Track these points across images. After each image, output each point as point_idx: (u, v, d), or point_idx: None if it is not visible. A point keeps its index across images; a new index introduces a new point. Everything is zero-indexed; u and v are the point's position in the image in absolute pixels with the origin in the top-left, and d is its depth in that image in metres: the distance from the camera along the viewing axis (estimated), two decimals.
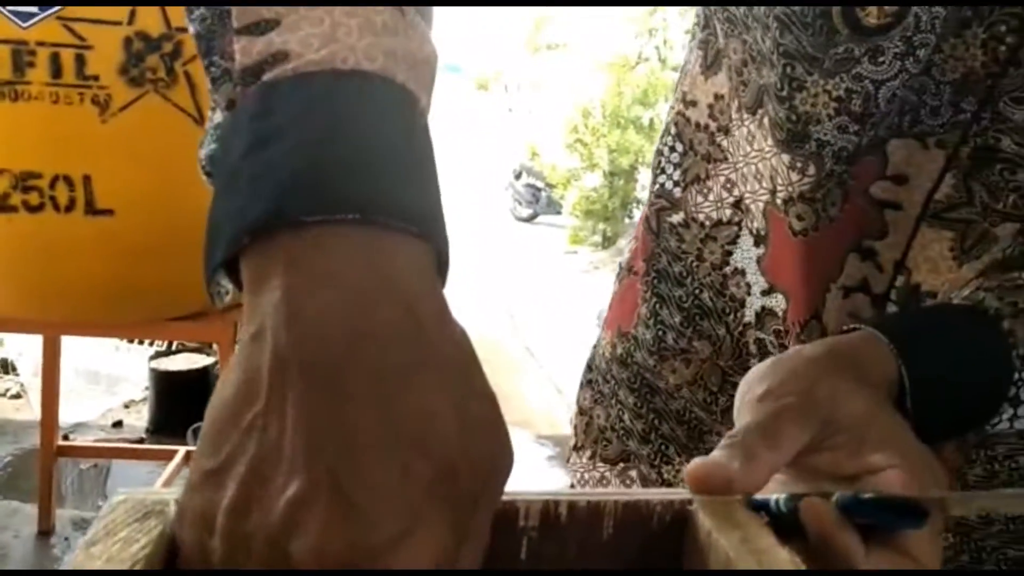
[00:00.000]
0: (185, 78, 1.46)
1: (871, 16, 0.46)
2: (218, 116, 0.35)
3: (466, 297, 5.96)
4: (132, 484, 2.48)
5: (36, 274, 1.47)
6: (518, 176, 9.58)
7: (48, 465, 2.32)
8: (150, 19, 1.40)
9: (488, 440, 0.28)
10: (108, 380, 3.41)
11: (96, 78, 1.39)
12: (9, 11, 1.33)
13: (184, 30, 1.45)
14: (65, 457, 2.42)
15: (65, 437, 3.00)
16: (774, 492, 0.36)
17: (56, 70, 1.37)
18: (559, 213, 8.82)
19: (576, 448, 0.72)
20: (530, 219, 9.60)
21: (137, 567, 0.27)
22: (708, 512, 0.32)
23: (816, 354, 0.42)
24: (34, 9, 1.34)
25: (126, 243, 1.47)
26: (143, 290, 1.53)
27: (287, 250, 0.28)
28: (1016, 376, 0.44)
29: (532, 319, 5.37)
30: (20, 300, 1.51)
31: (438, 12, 0.40)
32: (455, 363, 0.28)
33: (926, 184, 0.49)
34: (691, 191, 0.61)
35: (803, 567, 0.28)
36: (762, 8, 0.51)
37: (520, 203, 9.57)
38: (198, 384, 3.07)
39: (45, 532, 2.37)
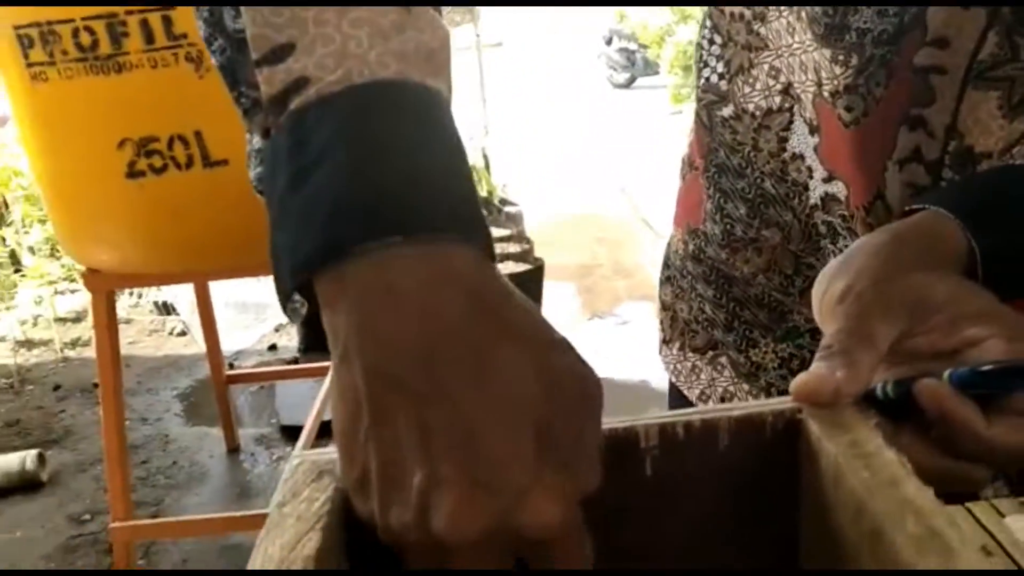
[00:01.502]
0: None
1: None
2: (257, 141, 0.37)
3: (576, 177, 5.91)
4: (296, 399, 2.71)
5: (172, 230, 1.58)
6: (609, 42, 9.19)
7: (222, 393, 2.57)
8: None
9: (573, 385, 0.30)
10: (256, 308, 3.68)
11: (184, 36, 1.44)
12: None
13: None
14: (235, 384, 2.67)
15: (230, 365, 3.29)
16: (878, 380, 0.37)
17: (148, 35, 1.43)
18: (657, 73, 8.45)
19: (665, 342, 0.74)
20: (628, 84, 9.26)
21: (321, 523, 0.31)
22: (817, 418, 0.33)
23: (883, 244, 0.42)
24: None
25: (245, 187, 1.55)
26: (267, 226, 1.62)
27: (348, 275, 0.30)
28: None
29: (644, 188, 5.28)
30: (165, 256, 1.64)
31: None
32: (527, 328, 0.30)
33: (968, 45, 0.47)
34: (737, 82, 0.60)
35: (909, 467, 0.29)
36: None
37: (615, 69, 9.23)
38: None
39: (233, 449, 2.66)
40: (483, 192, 4.12)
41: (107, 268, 1.68)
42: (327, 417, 2.48)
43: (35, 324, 3.72)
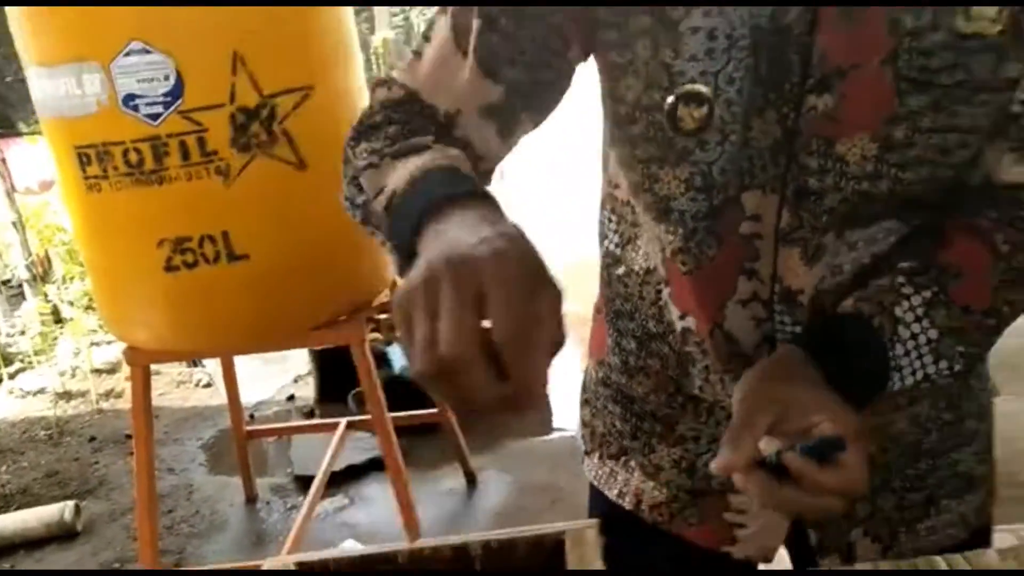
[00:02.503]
0: (284, 135, 1.74)
1: (686, 122, 0.66)
2: (380, 236, 0.63)
3: (584, 222, 6.10)
4: (311, 451, 2.92)
5: (202, 315, 1.82)
6: None
7: (242, 445, 2.80)
8: (246, 95, 1.68)
9: (503, 245, 0.46)
10: (278, 360, 3.92)
11: (215, 152, 1.69)
12: (143, 115, 1.65)
13: (275, 95, 1.72)
14: (255, 438, 2.90)
15: (251, 415, 3.53)
16: (768, 450, 0.60)
17: (185, 153, 1.68)
18: None
19: (587, 453, 0.95)
20: None
21: None
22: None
23: (762, 367, 0.66)
24: (159, 109, 1.65)
25: (264, 278, 1.79)
26: (284, 311, 1.86)
27: (428, 228, 0.52)
28: (891, 354, 0.65)
29: None
30: (195, 336, 1.88)
31: None
32: (495, 232, 0.47)
33: (772, 218, 0.69)
34: (627, 250, 0.82)
35: None
36: (623, 129, 0.71)
37: None
38: (350, 357, 3.50)
39: (251, 499, 2.88)
40: None
41: (144, 345, 1.93)
42: (337, 468, 2.70)
43: (73, 375, 3.99)
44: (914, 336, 0.65)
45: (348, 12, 1.93)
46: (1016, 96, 0.63)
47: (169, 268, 1.76)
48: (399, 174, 0.59)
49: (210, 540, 2.68)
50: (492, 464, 2.94)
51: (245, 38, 1.65)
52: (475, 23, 0.67)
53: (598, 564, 0.59)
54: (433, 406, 2.68)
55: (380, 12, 5.04)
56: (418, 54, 0.72)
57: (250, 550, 2.61)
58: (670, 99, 0.65)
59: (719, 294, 0.74)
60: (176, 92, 1.64)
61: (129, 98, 1.64)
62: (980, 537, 0.85)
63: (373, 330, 2.57)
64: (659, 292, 0.80)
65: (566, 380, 3.73)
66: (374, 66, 5.13)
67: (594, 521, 0.63)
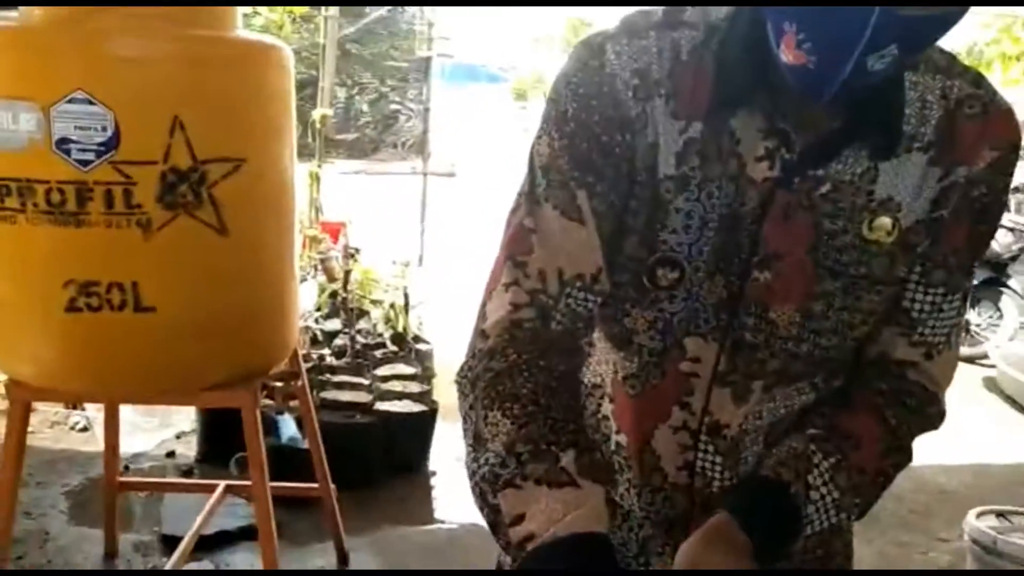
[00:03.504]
0: (209, 199, 1.81)
1: (660, 280, 0.81)
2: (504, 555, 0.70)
3: None
4: (183, 511, 2.85)
5: (97, 358, 1.83)
6: None
7: (112, 498, 2.71)
8: (180, 157, 1.75)
9: None
10: (163, 414, 3.82)
11: (140, 206, 1.74)
12: (74, 159, 1.69)
13: (208, 161, 1.80)
14: (126, 491, 2.81)
15: (126, 467, 3.40)
16: None
17: (109, 202, 1.73)
18: None
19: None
20: None
21: None
22: None
23: (700, 539, 0.77)
24: (91, 156, 1.70)
25: (166, 332, 1.82)
26: (180, 367, 1.88)
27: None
28: (803, 512, 0.79)
29: None
30: (86, 379, 1.88)
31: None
32: None
33: (711, 362, 0.84)
34: (586, 367, 0.94)
35: None
36: (614, 274, 0.83)
37: None
38: (238, 420, 3.45)
39: (111, 554, 2.76)
40: (398, 329, 4.42)
41: (29, 381, 1.90)
42: (207, 532, 2.64)
43: None
44: (822, 497, 0.80)
45: (290, 86, 2.04)
46: (905, 294, 0.82)
47: (71, 308, 1.77)
48: (541, 517, 0.66)
49: None
50: (366, 546, 2.93)
51: (188, 104, 1.74)
52: (579, 194, 0.78)
53: None
54: (314, 480, 2.67)
55: (324, 89, 5.21)
56: (521, 265, 0.79)
57: None
58: (651, 260, 0.80)
59: (653, 417, 0.88)
60: (111, 143, 1.70)
61: (63, 141, 1.69)
62: None
63: (267, 396, 2.57)
64: (600, 406, 0.93)
65: (450, 472, 3.74)
66: (309, 137, 5.24)
67: None
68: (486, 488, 0.70)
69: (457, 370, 0.81)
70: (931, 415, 0.86)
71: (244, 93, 1.86)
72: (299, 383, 2.33)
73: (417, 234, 7.20)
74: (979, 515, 2.51)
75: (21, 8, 1.79)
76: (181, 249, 1.80)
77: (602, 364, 0.91)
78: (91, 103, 1.67)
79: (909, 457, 0.86)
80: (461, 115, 10.81)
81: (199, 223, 1.81)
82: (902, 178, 0.77)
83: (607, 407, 0.92)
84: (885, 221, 0.78)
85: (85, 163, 1.70)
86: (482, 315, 0.81)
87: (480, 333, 0.80)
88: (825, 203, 0.77)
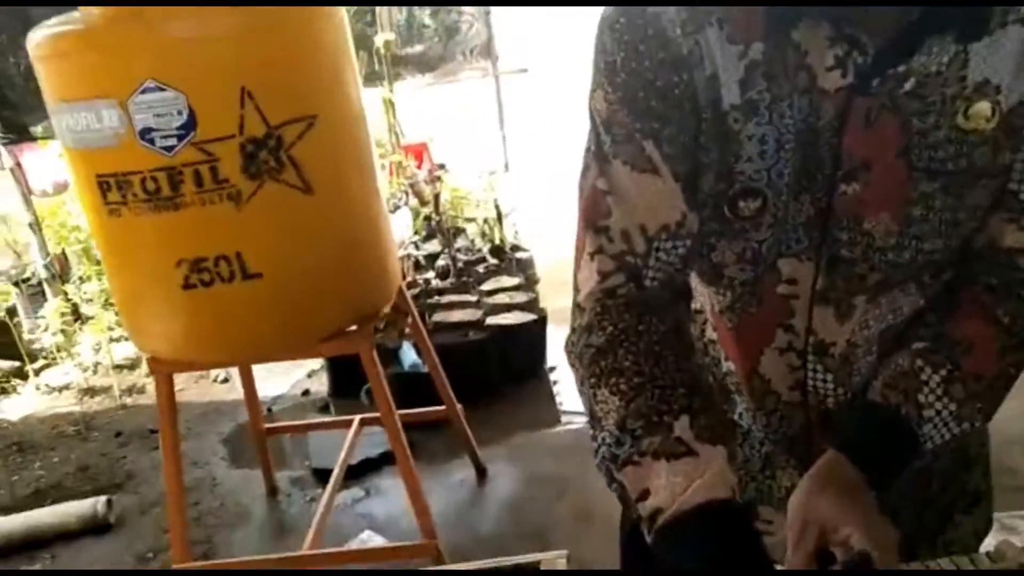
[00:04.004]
0: (290, 161, 1.85)
1: (743, 212, 0.78)
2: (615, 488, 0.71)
3: None
4: (327, 445, 3.06)
5: (219, 328, 1.95)
6: None
7: (262, 442, 2.94)
8: (254, 126, 1.79)
9: None
10: None
11: (227, 180, 1.81)
12: (159, 147, 1.76)
13: (281, 125, 1.83)
14: (273, 435, 3.03)
15: (269, 409, 3.67)
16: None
17: (199, 181, 1.80)
18: None
19: None
20: None
21: None
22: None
23: (812, 480, 0.76)
24: (174, 141, 1.76)
25: (276, 294, 1.91)
26: (295, 324, 1.98)
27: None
28: (919, 432, 0.77)
29: None
30: (212, 348, 2.01)
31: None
32: None
33: (809, 281, 0.82)
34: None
35: None
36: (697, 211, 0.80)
37: None
38: None
39: (272, 491, 3.02)
40: (496, 242, 4.47)
41: (165, 356, 2.06)
42: (352, 461, 2.83)
43: (95, 371, 4.15)
44: (938, 413, 0.77)
45: (347, 43, 2.03)
46: (1012, 175, 0.75)
47: (187, 286, 1.89)
48: (664, 492, 0.66)
49: (236, 530, 2.83)
50: (501, 456, 3.08)
51: (252, 74, 1.76)
52: (647, 144, 0.75)
53: None
54: (441, 403, 2.80)
55: (382, 13, 5.11)
56: (603, 231, 0.77)
57: (274, 540, 2.76)
58: (731, 193, 0.77)
59: (757, 343, 0.87)
60: (189, 125, 1.75)
61: (146, 131, 1.75)
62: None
63: (385, 326, 2.66)
64: (704, 332, 0.93)
65: (569, 371, 3.83)
66: (376, 64, 5.20)
67: (564, 552, 0.74)
68: (609, 467, 0.71)
69: (563, 344, 0.81)
70: None
71: (303, 54, 1.86)
72: (408, 319, 2.41)
73: (499, 139, 7.14)
74: None
75: (81, 9, 1.83)
76: (273, 214, 1.86)
77: (700, 297, 0.90)
78: (163, 89, 1.72)
79: None
80: (523, 16, 10.43)
81: (285, 186, 1.86)
82: (999, 57, 0.70)
83: (711, 332, 0.92)
84: (983, 107, 0.71)
85: (170, 148, 1.77)
86: (575, 288, 0.80)
87: (576, 307, 0.79)
88: (911, 101, 0.71)
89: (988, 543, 0.96)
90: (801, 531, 0.74)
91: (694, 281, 0.88)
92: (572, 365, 0.78)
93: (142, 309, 2.02)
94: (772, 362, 0.87)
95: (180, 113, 1.74)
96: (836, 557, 0.71)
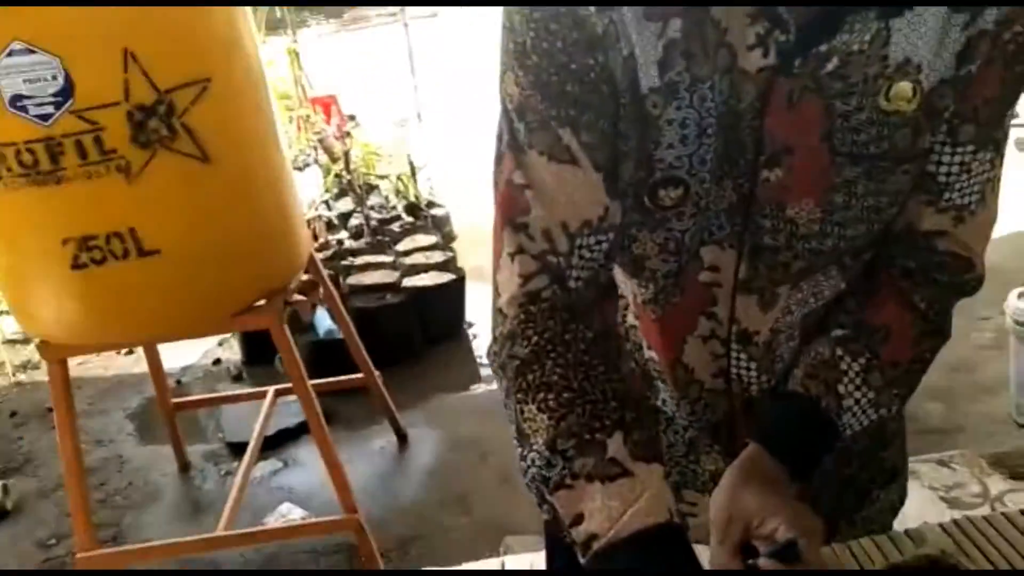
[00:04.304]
0: (184, 129, 1.72)
1: (664, 201, 0.74)
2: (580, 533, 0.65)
3: None
4: (242, 416, 2.96)
5: (116, 309, 1.82)
6: None
7: (170, 416, 2.82)
8: (142, 91, 1.65)
9: None
10: None
11: (114, 150, 1.67)
12: (33, 116, 1.60)
13: (172, 89, 1.69)
14: (182, 411, 2.91)
15: (178, 381, 3.53)
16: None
17: (82, 152, 1.65)
18: None
19: None
20: None
21: None
22: None
23: (734, 475, 0.75)
24: (50, 109, 1.61)
25: (176, 271, 1.80)
26: (200, 301, 1.87)
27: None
28: (839, 422, 0.77)
29: None
30: (108, 330, 1.88)
31: None
32: None
33: (731, 269, 0.79)
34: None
35: None
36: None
37: None
38: None
39: (184, 467, 2.91)
40: (410, 198, 4.36)
41: (58, 340, 1.92)
42: (269, 432, 2.75)
43: None
44: (857, 401, 0.78)
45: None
46: (931, 157, 0.74)
47: (76, 266, 1.75)
48: (599, 516, 0.63)
49: (147, 511, 2.72)
50: (421, 421, 3.05)
51: (134, 34, 1.61)
52: (563, 133, 0.69)
53: None
54: (358, 370, 2.74)
55: None
56: (522, 228, 0.72)
57: (188, 519, 2.67)
58: (651, 182, 0.73)
59: (680, 331, 0.84)
60: (67, 92, 1.60)
61: (16, 99, 1.59)
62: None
63: (295, 300, 2.57)
64: (625, 317, 0.90)
65: (488, 331, 3.82)
66: (278, 11, 4.94)
67: None
68: (540, 488, 0.67)
69: (485, 350, 0.77)
70: (965, 282, 0.80)
71: (191, 10, 1.72)
72: (321, 291, 2.32)
73: (410, 88, 6.93)
74: (1020, 295, 2.49)
75: None
76: (168, 186, 1.74)
77: (621, 283, 0.87)
78: (32, 52, 1.56)
79: (945, 336, 0.81)
80: None
81: (180, 155, 1.73)
82: (920, 34, 0.67)
83: (632, 319, 0.89)
84: (904, 87, 0.68)
85: (46, 117, 1.61)
86: (495, 290, 0.75)
87: (498, 312, 0.74)
88: (834, 81, 0.68)
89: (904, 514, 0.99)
90: (725, 525, 0.73)
91: (615, 271, 0.85)
92: (495, 374, 0.74)
93: (28, 291, 1.87)
94: (695, 350, 0.85)
95: (55, 78, 1.58)
96: (759, 551, 0.71)
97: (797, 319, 0.83)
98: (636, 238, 0.78)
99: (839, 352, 0.78)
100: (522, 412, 0.69)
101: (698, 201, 0.74)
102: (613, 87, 0.69)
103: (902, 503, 1.02)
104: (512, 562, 2.28)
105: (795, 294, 0.81)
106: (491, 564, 2.27)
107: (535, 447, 0.67)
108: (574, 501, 0.65)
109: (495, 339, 0.74)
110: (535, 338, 0.70)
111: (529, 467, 0.68)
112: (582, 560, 0.65)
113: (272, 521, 2.56)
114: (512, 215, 0.73)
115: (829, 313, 0.83)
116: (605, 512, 0.63)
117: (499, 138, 0.74)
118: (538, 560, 1.99)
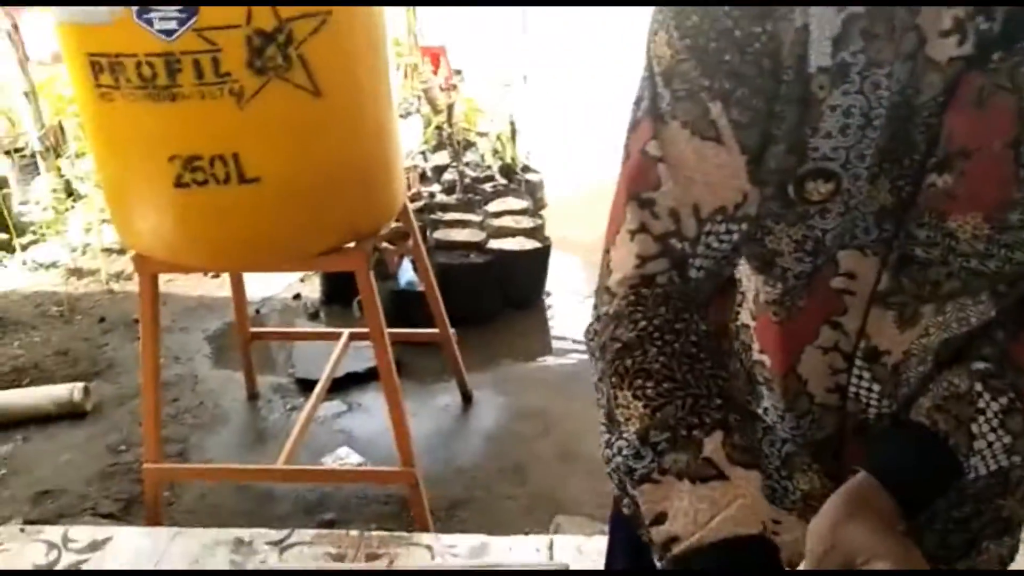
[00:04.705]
0: (299, 60, 1.70)
1: (811, 195, 0.66)
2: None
3: (611, 140, 5.93)
4: (314, 354, 2.99)
5: (211, 232, 1.84)
6: None
7: (246, 346, 2.87)
8: (263, 18, 1.63)
9: None
10: None
11: (229, 74, 1.66)
12: (156, 30, 1.61)
13: (292, 19, 1.67)
14: (258, 340, 2.96)
15: (257, 311, 3.59)
16: None
17: (199, 72, 1.65)
18: None
19: None
20: None
21: None
22: None
23: (837, 504, 0.68)
24: (174, 25, 1.61)
25: (274, 201, 1.80)
26: (292, 235, 1.87)
27: None
28: (965, 464, 0.69)
29: None
30: (201, 253, 1.90)
31: None
32: None
33: (870, 278, 0.71)
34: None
35: None
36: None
37: None
38: None
39: (253, 396, 2.97)
40: (506, 160, 4.31)
41: (152, 255, 1.95)
42: (338, 375, 2.77)
43: (84, 253, 4.04)
44: (990, 444, 0.69)
45: None
46: None
47: (179, 185, 1.76)
48: (684, 519, 0.58)
49: (213, 433, 2.79)
50: (488, 384, 3.02)
51: None
52: (713, 107, 0.63)
53: None
54: (433, 324, 2.72)
55: None
56: (648, 204, 0.66)
57: (250, 447, 2.72)
58: (800, 171, 0.65)
59: (800, 339, 0.76)
60: (191, 9, 1.59)
61: (143, 11, 1.60)
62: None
63: (384, 248, 2.55)
64: (738, 313, 0.82)
65: (566, 305, 3.72)
66: None
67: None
68: (623, 479, 0.62)
69: (584, 330, 0.70)
70: None
71: None
72: (409, 242, 2.30)
73: (521, 47, 6.83)
74: None
75: None
76: (277, 115, 1.73)
77: (742, 276, 0.79)
78: None
79: None
80: None
81: (292, 86, 1.71)
82: None
83: (745, 316, 0.81)
84: None
85: (169, 32, 1.61)
86: (606, 267, 0.68)
87: (604, 290, 0.68)
88: None
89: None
90: (823, 555, 0.66)
91: (742, 268, 0.77)
92: (592, 355, 0.68)
93: (131, 204, 1.90)
94: (813, 361, 0.76)
95: None
96: None
97: (934, 344, 0.73)
98: (771, 231, 0.70)
99: (978, 388, 0.69)
100: (616, 397, 0.63)
101: (848, 199, 0.65)
102: (776, 62, 0.61)
103: (1011, 559, 0.92)
104: (560, 542, 2.24)
105: (938, 316, 0.71)
106: (539, 541, 2.24)
107: (625, 435, 0.61)
108: (659, 498, 0.59)
109: (597, 318, 0.68)
110: (643, 323, 0.64)
111: (615, 455, 0.62)
112: (658, 562, 0.59)
113: (330, 462, 2.59)
114: (639, 189, 0.66)
115: (972, 342, 0.73)
116: (692, 515, 0.57)
117: (637, 103, 0.67)
118: (586, 545, 1.94)
